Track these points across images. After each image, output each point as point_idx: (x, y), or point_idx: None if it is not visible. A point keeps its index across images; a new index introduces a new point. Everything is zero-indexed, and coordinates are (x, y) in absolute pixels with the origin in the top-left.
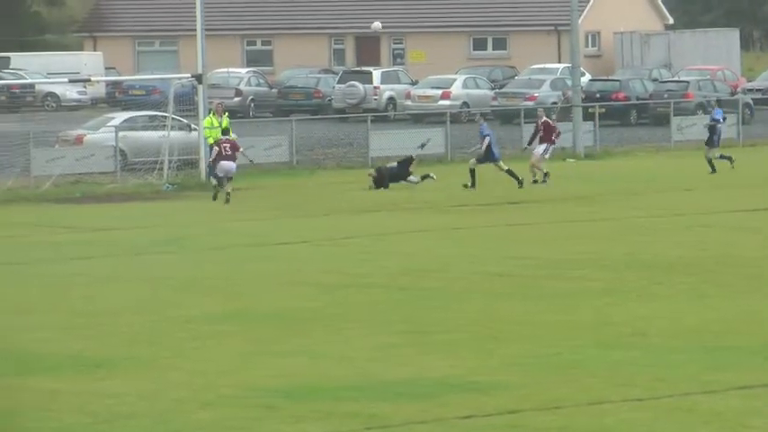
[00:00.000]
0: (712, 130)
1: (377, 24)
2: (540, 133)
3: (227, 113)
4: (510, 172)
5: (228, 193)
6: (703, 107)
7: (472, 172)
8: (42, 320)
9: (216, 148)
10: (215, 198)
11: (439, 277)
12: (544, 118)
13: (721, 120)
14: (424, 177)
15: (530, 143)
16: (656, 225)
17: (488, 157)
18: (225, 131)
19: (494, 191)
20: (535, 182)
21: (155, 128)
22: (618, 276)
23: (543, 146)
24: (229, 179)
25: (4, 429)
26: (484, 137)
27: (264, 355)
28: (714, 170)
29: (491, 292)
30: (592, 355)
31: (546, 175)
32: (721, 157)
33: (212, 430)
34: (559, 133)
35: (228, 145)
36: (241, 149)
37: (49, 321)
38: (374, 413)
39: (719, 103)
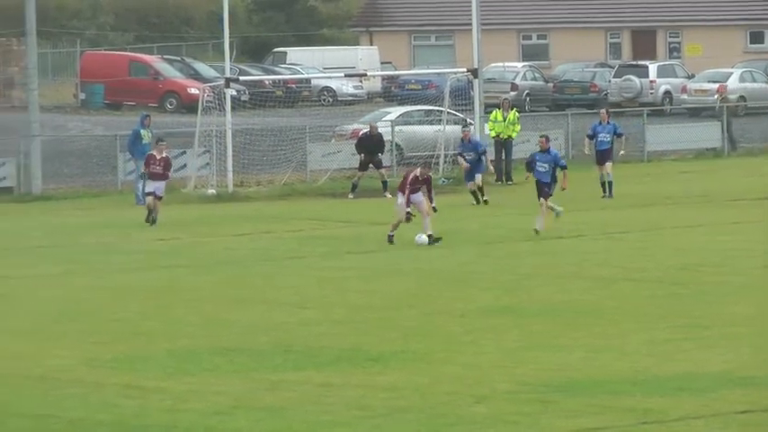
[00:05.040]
0: None
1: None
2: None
3: (514, 108)
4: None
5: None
6: None
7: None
8: (319, 315)
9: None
10: None
11: (716, 272)
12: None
13: None
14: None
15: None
16: None
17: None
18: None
19: None
20: (392, 236)
21: (430, 122)
22: None
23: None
24: (159, 198)
25: (279, 422)
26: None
27: (539, 349)
28: None
29: None
30: None
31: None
32: None
33: (488, 424)
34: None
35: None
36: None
37: (325, 315)
38: (650, 408)
39: None
